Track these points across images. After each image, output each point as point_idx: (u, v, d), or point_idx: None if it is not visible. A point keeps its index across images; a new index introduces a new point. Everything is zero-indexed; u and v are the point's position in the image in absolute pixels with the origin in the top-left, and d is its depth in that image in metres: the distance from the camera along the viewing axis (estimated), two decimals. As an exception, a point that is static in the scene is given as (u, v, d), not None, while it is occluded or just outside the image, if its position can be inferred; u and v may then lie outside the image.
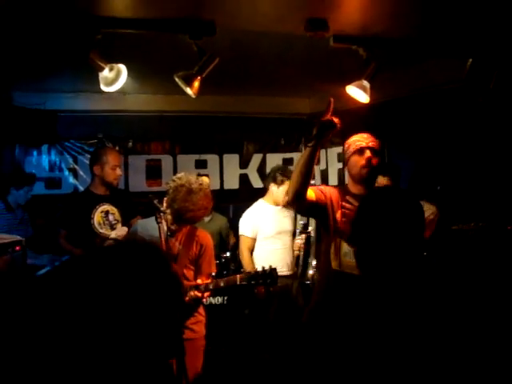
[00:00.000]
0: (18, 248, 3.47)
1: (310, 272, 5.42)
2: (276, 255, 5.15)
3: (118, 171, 4.65)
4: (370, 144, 3.44)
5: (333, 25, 3.50)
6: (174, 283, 1.31)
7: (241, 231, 5.34)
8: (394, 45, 3.97)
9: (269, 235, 5.24)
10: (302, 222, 5.43)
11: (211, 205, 3.66)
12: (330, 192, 3.44)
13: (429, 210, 4.61)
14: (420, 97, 5.54)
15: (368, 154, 3.40)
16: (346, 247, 3.31)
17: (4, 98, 5.87)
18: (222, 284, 3.49)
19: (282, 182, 5.16)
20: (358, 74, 3.90)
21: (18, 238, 3.58)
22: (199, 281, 3.50)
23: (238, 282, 3.45)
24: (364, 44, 3.74)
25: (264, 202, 5.36)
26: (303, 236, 5.39)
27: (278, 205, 5.28)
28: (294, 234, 5.44)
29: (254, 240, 5.27)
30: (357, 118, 6.10)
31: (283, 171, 5.25)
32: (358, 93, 3.86)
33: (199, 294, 3.40)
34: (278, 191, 5.23)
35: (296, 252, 5.40)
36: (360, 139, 3.49)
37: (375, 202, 1.73)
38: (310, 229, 5.45)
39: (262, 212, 5.28)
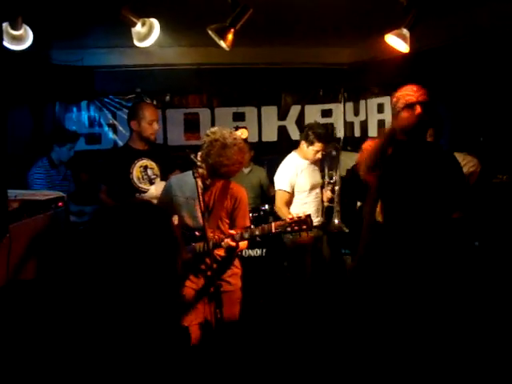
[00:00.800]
0: (60, 204, 3.53)
1: (336, 221, 5.41)
2: (310, 208, 5.16)
3: (155, 126, 4.65)
4: (421, 98, 3.36)
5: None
6: (168, 236, 1.41)
7: (278, 186, 5.32)
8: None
9: (304, 189, 5.25)
10: (331, 173, 5.42)
11: (246, 159, 3.64)
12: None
13: (470, 163, 4.50)
14: (461, 45, 5.32)
15: (419, 109, 3.34)
16: None
17: (42, 56, 5.92)
18: (257, 232, 3.46)
19: (312, 143, 5.13)
20: (398, 21, 3.74)
21: (61, 194, 3.64)
22: (232, 231, 3.50)
23: (274, 230, 3.40)
24: (404, -11, 3.57)
25: (297, 156, 5.32)
26: (330, 187, 5.39)
27: (308, 160, 5.26)
28: (322, 187, 5.46)
29: (292, 194, 5.27)
30: (396, 68, 5.95)
31: (316, 132, 5.19)
32: (397, 42, 3.72)
33: (233, 244, 3.39)
34: (308, 150, 5.21)
35: (326, 203, 5.42)
36: (410, 93, 3.41)
37: (400, 154, 1.69)
38: (334, 179, 5.43)
39: (296, 166, 5.26)
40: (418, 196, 3.27)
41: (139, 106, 4.81)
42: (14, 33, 3.29)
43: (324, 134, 5.27)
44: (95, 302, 1.34)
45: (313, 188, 5.31)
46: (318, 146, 5.11)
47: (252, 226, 3.65)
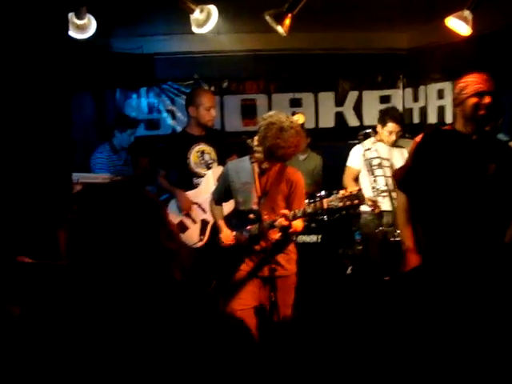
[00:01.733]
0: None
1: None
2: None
3: (213, 112, 4.71)
4: (491, 88, 3.21)
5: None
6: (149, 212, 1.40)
7: (348, 162, 5.30)
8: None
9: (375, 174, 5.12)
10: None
11: (302, 143, 3.63)
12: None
13: None
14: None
15: (488, 99, 3.18)
16: None
17: (103, 44, 6.07)
18: (309, 210, 3.43)
19: (385, 124, 5.05)
20: (458, 4, 3.65)
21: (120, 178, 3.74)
22: (285, 211, 3.49)
23: (325, 206, 3.35)
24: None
25: (374, 139, 5.22)
26: None
27: (385, 144, 5.17)
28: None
29: (359, 171, 5.22)
30: (457, 53, 5.79)
31: (390, 113, 5.13)
32: (459, 24, 3.63)
33: (286, 223, 3.39)
34: (382, 132, 5.13)
35: None
36: (479, 81, 3.24)
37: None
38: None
39: (370, 149, 5.14)
40: (465, 205, 3.14)
41: (197, 92, 4.88)
42: (79, 22, 3.40)
43: (397, 114, 5.20)
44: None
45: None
46: (390, 126, 5.02)
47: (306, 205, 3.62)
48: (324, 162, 6.42)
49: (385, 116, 5.12)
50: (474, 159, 3.20)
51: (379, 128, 5.16)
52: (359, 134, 5.27)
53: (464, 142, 3.24)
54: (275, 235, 3.52)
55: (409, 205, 3.45)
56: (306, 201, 5.43)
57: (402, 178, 3.39)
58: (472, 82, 3.25)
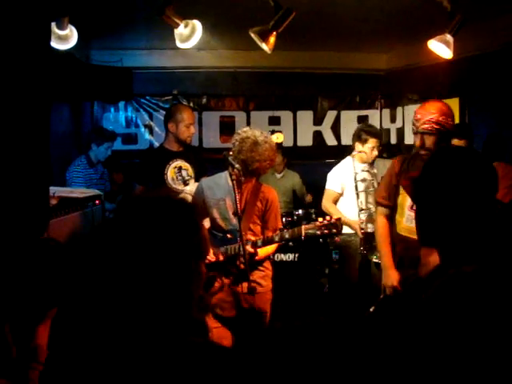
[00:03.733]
0: (97, 202, 3.57)
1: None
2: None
3: (192, 129, 4.67)
4: (434, 127, 3.22)
5: (415, -26, 3.32)
6: (191, 236, 1.34)
7: (327, 185, 5.25)
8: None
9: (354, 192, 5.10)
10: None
11: (276, 157, 3.66)
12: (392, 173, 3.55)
13: (509, 174, 4.39)
14: (508, 51, 5.21)
15: (429, 141, 3.24)
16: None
17: (83, 56, 6.01)
18: (287, 236, 3.46)
19: (365, 141, 5.02)
20: (439, 27, 3.69)
21: (98, 192, 3.68)
22: (252, 237, 3.51)
23: (303, 233, 3.39)
24: (449, -5, 3.52)
25: (352, 159, 5.20)
26: None
27: (364, 162, 5.12)
28: None
29: (340, 195, 5.19)
30: (434, 75, 5.88)
31: (367, 130, 5.11)
32: (440, 48, 3.66)
33: (252, 250, 3.42)
34: (364, 149, 5.08)
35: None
36: (427, 120, 3.24)
37: (441, 161, 1.61)
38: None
39: (350, 169, 5.12)
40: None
41: (177, 108, 4.84)
42: (60, 32, 3.35)
43: (375, 129, 5.20)
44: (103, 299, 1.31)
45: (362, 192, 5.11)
46: (371, 142, 4.98)
47: (284, 230, 3.64)
48: (302, 179, 6.44)
49: (362, 133, 5.06)
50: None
51: (358, 147, 5.10)
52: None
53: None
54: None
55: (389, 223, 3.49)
56: (284, 219, 5.46)
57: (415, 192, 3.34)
58: (421, 117, 3.26)
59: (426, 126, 3.25)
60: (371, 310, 3.79)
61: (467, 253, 1.48)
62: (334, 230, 3.40)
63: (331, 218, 3.45)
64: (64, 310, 2.05)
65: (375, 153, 5.05)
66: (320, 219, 3.45)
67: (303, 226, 3.45)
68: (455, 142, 4.87)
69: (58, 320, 2.02)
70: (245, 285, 3.41)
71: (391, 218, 3.59)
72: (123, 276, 1.28)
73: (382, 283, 3.54)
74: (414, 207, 3.32)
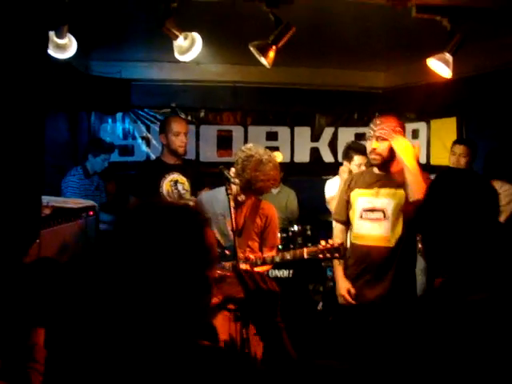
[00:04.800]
0: (91, 213, 3.55)
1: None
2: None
3: (182, 138, 4.60)
4: (391, 133, 3.49)
5: (416, -6, 3.32)
6: (198, 245, 1.34)
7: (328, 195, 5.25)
8: (481, 15, 3.72)
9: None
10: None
11: (280, 176, 3.63)
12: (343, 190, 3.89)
13: (507, 191, 4.40)
14: (505, 72, 5.23)
15: (374, 145, 3.53)
16: None
17: (82, 67, 6.01)
18: (288, 257, 3.44)
19: (351, 158, 5.02)
20: (438, 47, 3.69)
21: (92, 203, 3.65)
22: (266, 253, 3.48)
23: (306, 256, 3.38)
24: (449, 14, 3.52)
25: (338, 178, 5.19)
26: None
27: None
28: None
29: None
30: (432, 94, 5.89)
31: (354, 147, 5.11)
32: (439, 66, 3.66)
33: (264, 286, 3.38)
34: (351, 167, 5.06)
35: None
36: (385, 126, 3.52)
37: (444, 184, 1.60)
38: None
39: (336, 185, 5.11)
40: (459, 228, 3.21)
41: (167, 119, 4.83)
42: (59, 41, 3.33)
43: (361, 146, 5.19)
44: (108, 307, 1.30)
45: None
46: (357, 159, 4.97)
47: (285, 251, 3.62)
48: (298, 196, 6.41)
49: (349, 151, 5.08)
50: None
51: (346, 164, 5.09)
52: None
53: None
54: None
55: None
56: (279, 235, 5.41)
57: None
58: (380, 123, 3.55)
59: (383, 131, 3.50)
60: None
61: (473, 279, 1.46)
62: (336, 255, 3.39)
63: (334, 241, 3.44)
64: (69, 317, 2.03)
65: (363, 169, 5.02)
66: (323, 243, 3.44)
67: (305, 249, 3.44)
68: (457, 147, 4.96)
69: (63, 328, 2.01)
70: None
71: (346, 232, 3.87)
72: (132, 281, 1.28)
73: (337, 293, 3.78)
74: (363, 216, 3.58)
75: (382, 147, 3.52)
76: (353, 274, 3.70)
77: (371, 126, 3.63)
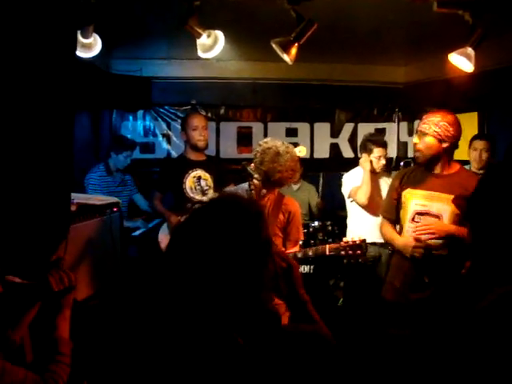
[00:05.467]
0: (115, 209, 3.59)
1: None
2: (368, 223, 4.96)
3: (201, 131, 4.64)
4: (431, 127, 3.37)
5: (438, -13, 3.31)
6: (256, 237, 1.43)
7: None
8: (503, 8, 3.69)
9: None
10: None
11: (298, 168, 3.64)
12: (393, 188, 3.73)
13: None
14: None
15: (424, 143, 3.40)
16: None
17: (103, 65, 6.07)
18: (310, 253, 3.48)
19: (371, 151, 4.97)
20: (458, 41, 3.67)
21: (116, 199, 3.70)
22: (290, 249, 3.51)
23: (327, 253, 3.41)
24: (471, 8, 3.49)
25: (360, 169, 5.15)
26: None
27: (372, 172, 5.04)
28: None
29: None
30: (452, 89, 5.85)
31: (373, 139, 5.07)
32: (461, 61, 3.65)
33: (284, 264, 3.40)
34: (369, 159, 5.00)
35: None
36: (427, 120, 3.42)
37: (495, 179, 1.59)
38: None
39: (358, 177, 5.07)
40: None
41: (186, 116, 4.90)
42: (84, 41, 3.38)
43: (380, 139, 5.16)
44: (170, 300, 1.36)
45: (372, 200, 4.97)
46: (377, 151, 4.93)
47: (308, 248, 3.64)
48: (318, 191, 6.43)
49: (367, 143, 5.01)
50: None
51: (365, 157, 5.02)
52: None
53: None
54: None
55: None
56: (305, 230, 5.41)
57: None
58: (425, 118, 3.46)
59: (425, 125, 3.38)
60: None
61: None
62: (359, 252, 3.41)
63: (356, 238, 3.44)
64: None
65: (382, 162, 4.99)
66: (345, 239, 3.46)
67: (327, 246, 3.47)
68: (477, 143, 4.89)
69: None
70: None
71: (394, 229, 3.74)
72: (202, 270, 1.36)
73: (407, 254, 3.47)
74: (415, 219, 3.44)
75: (422, 143, 3.39)
76: (402, 278, 3.53)
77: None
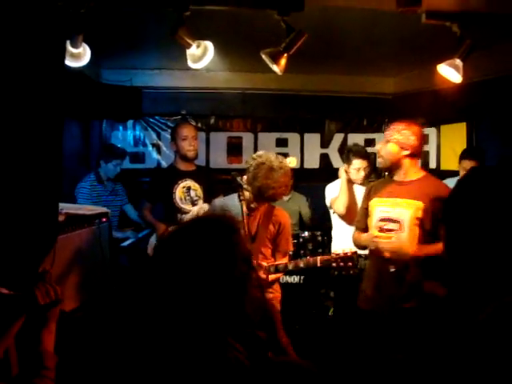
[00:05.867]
0: (104, 219, 3.57)
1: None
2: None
3: (190, 141, 4.64)
4: (394, 135, 3.48)
5: (426, 0, 3.33)
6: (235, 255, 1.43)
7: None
8: (491, 20, 3.72)
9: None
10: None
11: (291, 183, 3.64)
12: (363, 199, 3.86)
13: None
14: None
15: (386, 149, 3.51)
16: None
17: (93, 75, 6.07)
18: (301, 265, 3.49)
19: (350, 162, 4.92)
20: (447, 52, 3.70)
21: (105, 210, 3.68)
22: (280, 260, 3.51)
23: (319, 264, 3.43)
24: (459, 20, 3.52)
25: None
26: None
27: (354, 183, 5.02)
28: None
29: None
30: (441, 100, 5.90)
31: (353, 150, 5.03)
32: (450, 72, 3.68)
33: (264, 276, 3.42)
34: (350, 171, 4.96)
35: None
36: (391, 127, 3.55)
37: (475, 181, 1.58)
38: None
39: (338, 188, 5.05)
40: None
41: (175, 126, 4.92)
42: (73, 50, 3.38)
43: (361, 149, 5.09)
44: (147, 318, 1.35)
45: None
46: (356, 163, 4.87)
47: (299, 259, 3.65)
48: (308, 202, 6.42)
49: (349, 154, 4.96)
50: None
51: (345, 168, 4.97)
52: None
53: None
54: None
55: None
56: (292, 240, 5.40)
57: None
58: (390, 126, 3.59)
59: (388, 132, 3.50)
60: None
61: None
62: (350, 264, 3.42)
63: (347, 251, 3.45)
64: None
65: (362, 174, 4.92)
66: (336, 251, 3.46)
67: (319, 257, 3.49)
68: (466, 163, 4.89)
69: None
70: None
71: None
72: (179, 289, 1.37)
73: (372, 246, 3.54)
74: (378, 224, 3.52)
75: (384, 149, 3.50)
76: (372, 284, 3.60)
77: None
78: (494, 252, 1.46)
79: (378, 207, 3.59)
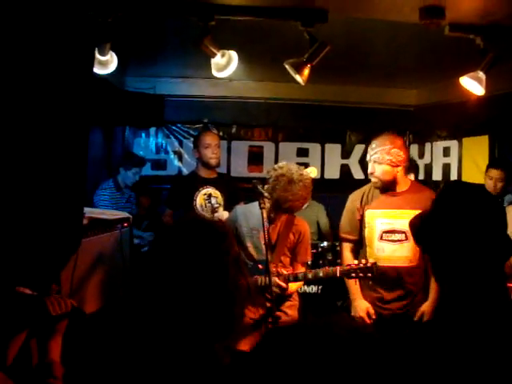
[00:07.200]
0: (126, 224, 3.61)
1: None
2: None
3: (213, 149, 4.68)
4: (385, 157, 3.52)
5: (450, 12, 3.32)
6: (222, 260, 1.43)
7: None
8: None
9: None
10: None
11: (310, 195, 3.65)
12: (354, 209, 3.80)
13: None
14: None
15: (380, 170, 3.55)
16: None
17: (117, 82, 6.15)
18: (321, 274, 3.48)
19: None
20: (470, 64, 3.71)
21: (127, 214, 3.73)
22: (297, 269, 3.52)
23: (338, 274, 3.42)
24: (482, 33, 3.53)
25: None
26: None
27: None
28: None
29: None
30: (464, 112, 5.87)
31: None
32: (472, 85, 3.68)
33: (284, 285, 3.42)
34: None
35: None
36: (378, 150, 3.55)
37: (451, 197, 1.60)
38: None
39: None
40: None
41: (199, 134, 4.97)
42: (101, 58, 3.45)
43: None
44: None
45: None
46: None
47: (318, 269, 3.65)
48: (327, 211, 6.41)
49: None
50: None
51: None
52: None
53: None
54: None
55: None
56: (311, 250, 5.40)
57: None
58: (375, 147, 3.63)
59: (376, 155, 3.52)
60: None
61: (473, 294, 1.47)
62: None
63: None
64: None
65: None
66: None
67: (338, 268, 3.48)
68: (493, 172, 4.87)
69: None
70: (271, 316, 3.38)
71: (355, 252, 3.79)
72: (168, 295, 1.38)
73: (351, 315, 3.67)
74: (384, 237, 3.57)
75: (379, 171, 3.54)
76: (379, 295, 3.66)
77: (368, 148, 3.68)
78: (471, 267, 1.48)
79: (378, 219, 3.64)
